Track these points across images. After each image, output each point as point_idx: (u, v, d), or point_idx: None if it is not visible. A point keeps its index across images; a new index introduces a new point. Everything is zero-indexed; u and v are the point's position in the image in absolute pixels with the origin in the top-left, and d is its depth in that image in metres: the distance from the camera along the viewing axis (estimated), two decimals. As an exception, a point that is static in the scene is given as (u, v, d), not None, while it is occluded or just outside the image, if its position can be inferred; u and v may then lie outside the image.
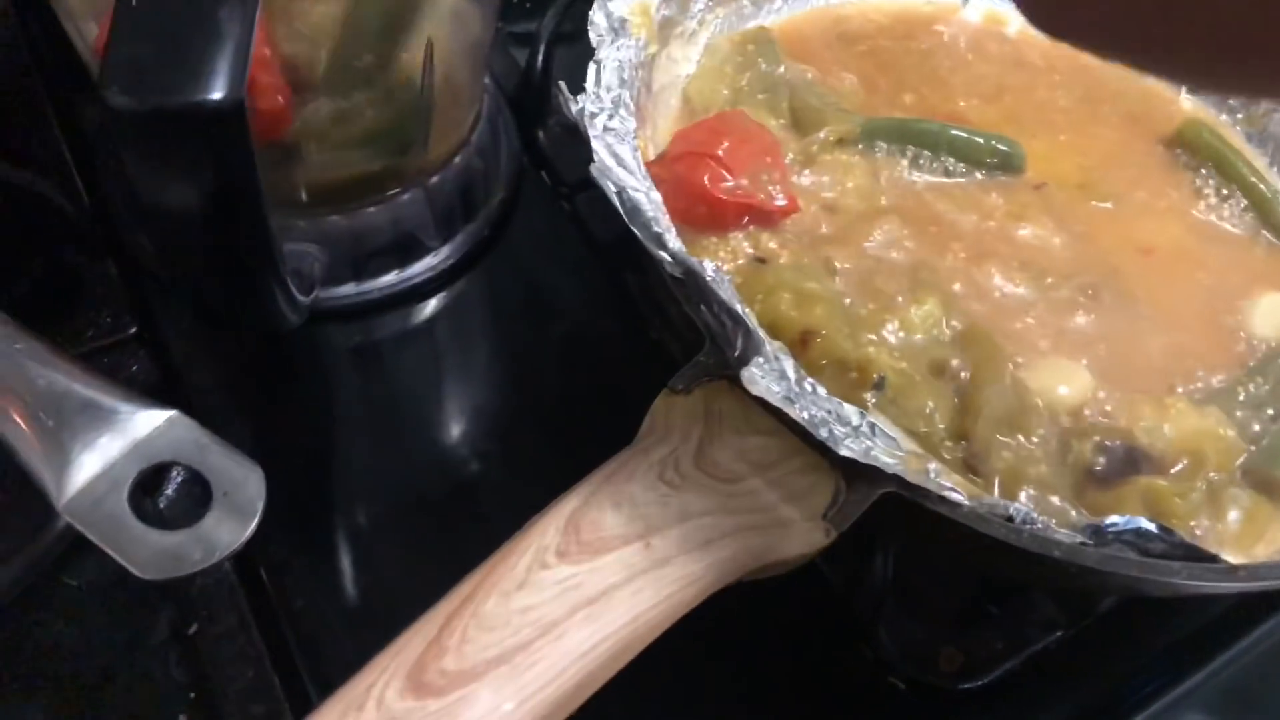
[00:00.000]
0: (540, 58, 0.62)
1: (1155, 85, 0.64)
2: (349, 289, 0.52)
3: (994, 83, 0.62)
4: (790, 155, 0.55)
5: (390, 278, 0.52)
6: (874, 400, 0.42)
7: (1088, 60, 0.64)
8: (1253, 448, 0.45)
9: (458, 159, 0.53)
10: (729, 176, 0.50)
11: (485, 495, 0.48)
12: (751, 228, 0.50)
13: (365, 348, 0.52)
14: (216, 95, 0.32)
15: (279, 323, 0.42)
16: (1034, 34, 0.60)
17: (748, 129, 0.53)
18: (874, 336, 0.45)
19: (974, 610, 0.48)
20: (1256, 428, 0.46)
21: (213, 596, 0.42)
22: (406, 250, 0.52)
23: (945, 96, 0.60)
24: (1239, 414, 0.46)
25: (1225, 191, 0.57)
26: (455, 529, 0.47)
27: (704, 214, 0.50)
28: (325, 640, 0.43)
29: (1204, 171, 0.58)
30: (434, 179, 0.52)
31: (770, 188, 0.51)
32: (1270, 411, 0.46)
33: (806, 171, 0.54)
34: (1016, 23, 0.65)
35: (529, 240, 0.58)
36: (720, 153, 0.50)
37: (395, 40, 0.46)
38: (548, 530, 0.29)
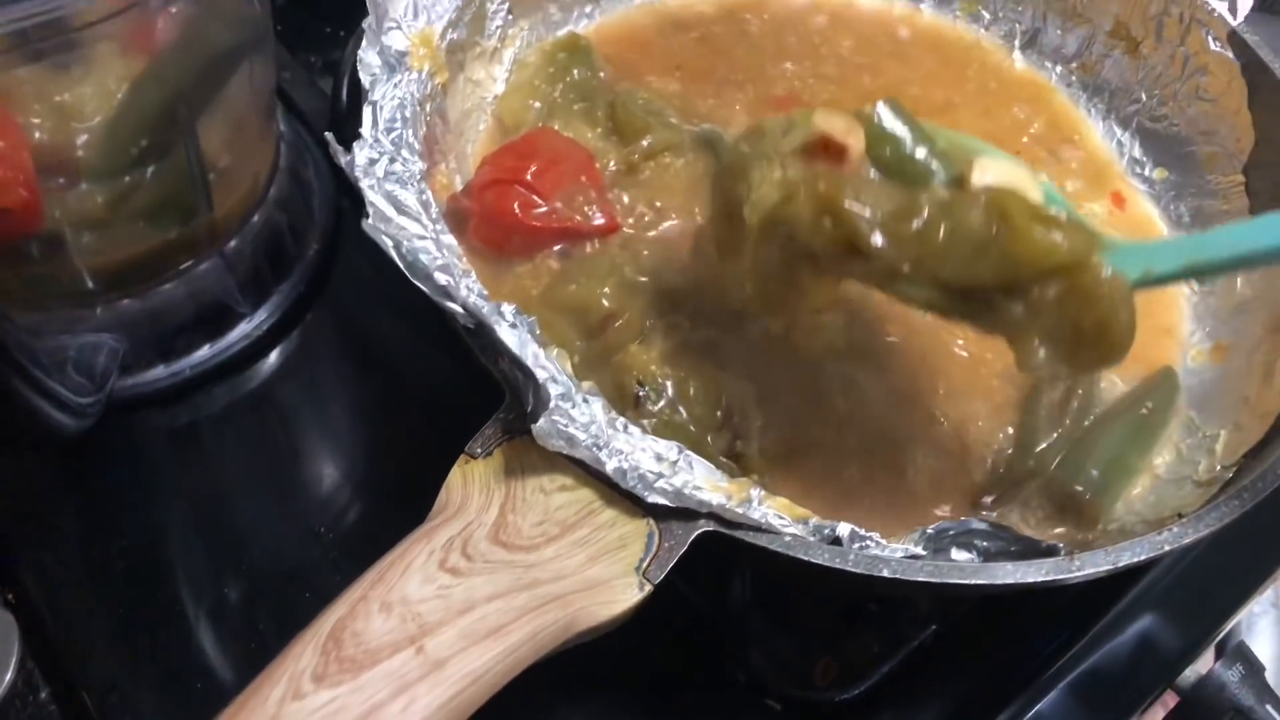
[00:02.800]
0: (345, 90, 0.59)
1: (988, 39, 0.63)
2: (159, 371, 0.49)
3: (827, 59, 0.60)
4: (612, 164, 0.52)
5: (202, 353, 0.49)
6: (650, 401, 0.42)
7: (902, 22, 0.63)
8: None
9: (256, 217, 0.50)
10: (541, 202, 0.48)
11: (326, 575, 0.46)
12: (563, 246, 0.48)
13: (185, 430, 0.49)
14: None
15: (57, 435, 0.39)
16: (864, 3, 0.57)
17: (557, 148, 0.50)
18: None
19: (851, 612, 0.47)
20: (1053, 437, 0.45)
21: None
22: (216, 322, 0.50)
23: (779, 76, 0.59)
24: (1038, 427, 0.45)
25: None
26: (297, 618, 0.44)
27: (518, 243, 0.48)
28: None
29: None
30: (231, 243, 0.49)
31: (586, 208, 0.49)
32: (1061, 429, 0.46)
33: (627, 181, 0.52)
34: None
35: (355, 286, 0.55)
36: (529, 177, 0.48)
37: (173, 125, 0.44)
38: (304, 653, 0.27)
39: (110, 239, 0.44)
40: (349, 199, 0.58)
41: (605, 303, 0.45)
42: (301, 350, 0.52)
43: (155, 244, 0.46)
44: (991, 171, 0.40)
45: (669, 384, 0.42)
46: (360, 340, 0.55)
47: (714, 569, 0.45)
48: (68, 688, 0.41)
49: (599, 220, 0.49)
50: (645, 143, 0.53)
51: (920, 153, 0.41)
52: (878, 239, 0.36)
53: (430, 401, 0.52)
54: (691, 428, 0.42)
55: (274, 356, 0.52)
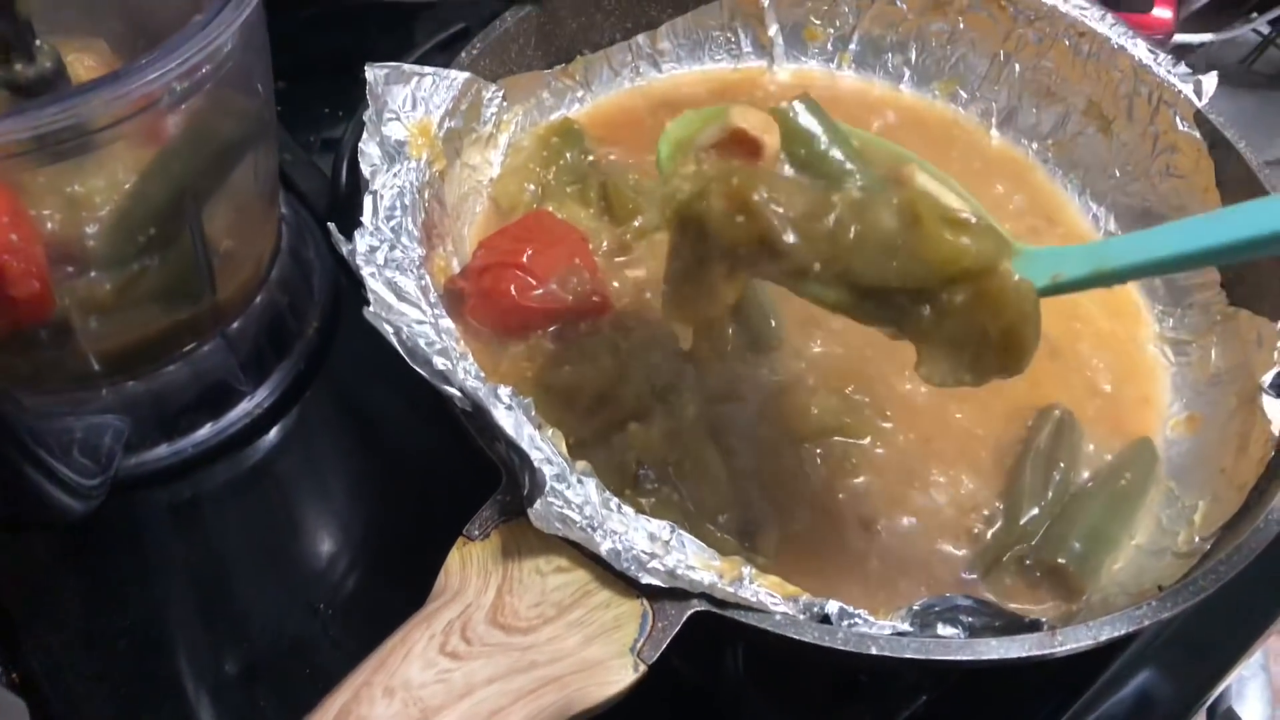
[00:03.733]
0: (345, 170, 0.61)
1: (965, 118, 0.65)
2: (161, 450, 0.50)
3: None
4: (605, 244, 0.54)
5: (204, 432, 0.50)
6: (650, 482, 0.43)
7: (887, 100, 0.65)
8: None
9: (259, 299, 0.51)
10: (536, 283, 0.49)
11: (326, 651, 0.46)
12: (558, 326, 0.50)
13: (187, 508, 0.50)
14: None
15: (61, 516, 0.40)
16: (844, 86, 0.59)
17: (552, 230, 0.52)
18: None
19: (843, 685, 0.47)
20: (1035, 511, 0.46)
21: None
22: (217, 401, 0.51)
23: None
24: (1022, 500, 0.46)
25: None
26: (297, 694, 0.45)
27: (515, 323, 0.50)
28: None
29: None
30: (234, 325, 0.50)
31: (580, 289, 0.50)
32: (1044, 501, 0.47)
33: (621, 258, 0.54)
34: (822, 80, 0.66)
35: (353, 363, 0.56)
36: (525, 260, 0.50)
37: (180, 214, 0.45)
38: (308, 743, 0.28)
39: (117, 324, 0.46)
40: (347, 277, 0.59)
41: (599, 383, 0.47)
42: (301, 427, 0.53)
43: (160, 327, 0.47)
44: (920, 178, 0.41)
45: (670, 467, 0.43)
46: (358, 417, 0.56)
47: (707, 644, 0.46)
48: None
49: (594, 299, 0.50)
50: (636, 223, 0.54)
51: (836, 152, 0.43)
52: (789, 236, 0.37)
53: (427, 479, 0.53)
54: (690, 506, 0.43)
55: (274, 433, 0.53)
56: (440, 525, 0.51)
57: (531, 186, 0.56)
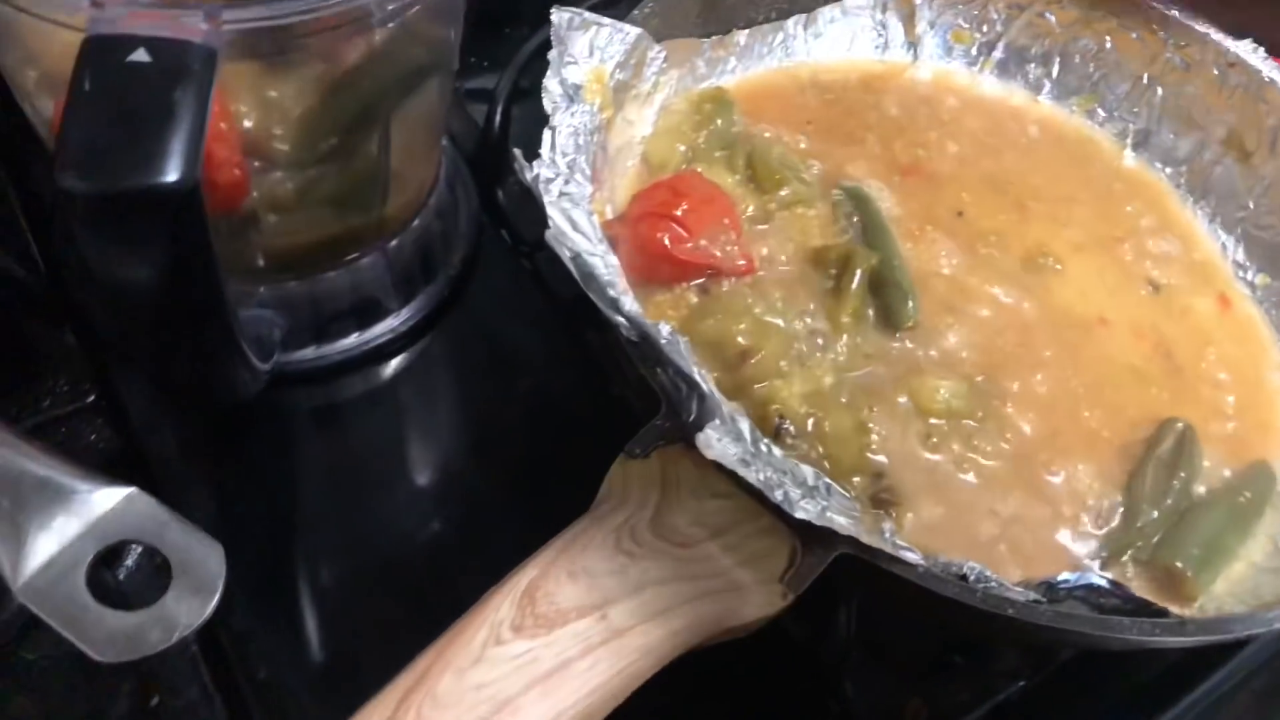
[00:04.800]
0: (498, 117, 0.63)
1: (1101, 135, 0.66)
2: (309, 353, 0.52)
3: (956, 136, 0.64)
4: (749, 210, 0.56)
5: (350, 340, 0.52)
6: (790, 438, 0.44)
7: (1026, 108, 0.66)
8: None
9: (416, 221, 0.53)
10: (689, 237, 0.51)
11: (451, 560, 0.48)
12: (703, 281, 0.51)
13: (327, 411, 0.52)
14: (172, 178, 0.32)
15: (238, 392, 0.42)
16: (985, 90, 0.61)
17: (706, 190, 0.54)
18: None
19: (940, 660, 0.48)
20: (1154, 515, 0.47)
21: (174, 668, 0.41)
22: (366, 313, 0.53)
23: (906, 145, 0.62)
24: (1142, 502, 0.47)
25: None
26: (421, 595, 0.47)
27: (665, 273, 0.51)
28: (290, 711, 0.42)
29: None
30: (393, 242, 0.52)
31: (728, 248, 0.52)
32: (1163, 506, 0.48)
33: (761, 228, 0.55)
34: (963, 81, 0.67)
35: (490, 299, 0.58)
36: (680, 213, 0.51)
37: (362, 128, 0.47)
38: (502, 605, 0.30)
39: (293, 223, 0.48)
40: (490, 217, 0.61)
41: (741, 339, 0.48)
42: (437, 350, 0.56)
43: (331, 233, 0.49)
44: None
45: (809, 421, 0.45)
46: (490, 347, 0.58)
47: (821, 600, 0.47)
48: (210, 633, 0.43)
49: (740, 261, 0.52)
50: (783, 193, 0.56)
51: None
52: None
53: (548, 412, 0.55)
54: (827, 464, 0.44)
55: (412, 352, 0.55)
56: (558, 459, 0.53)
57: (682, 147, 0.58)
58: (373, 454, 0.52)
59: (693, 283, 0.52)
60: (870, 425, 0.47)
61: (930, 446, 0.48)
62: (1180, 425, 0.50)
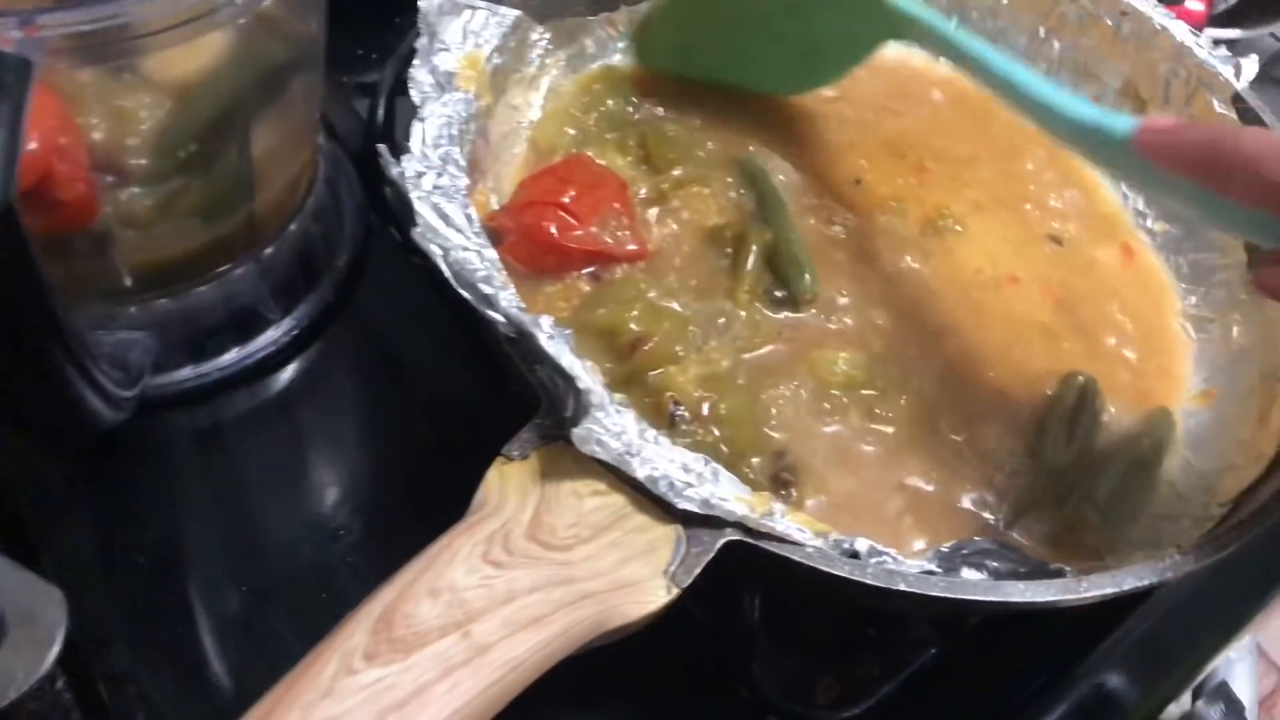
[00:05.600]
0: (381, 111, 0.61)
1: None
2: (186, 372, 0.50)
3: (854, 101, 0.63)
4: (642, 192, 0.54)
5: (230, 356, 0.50)
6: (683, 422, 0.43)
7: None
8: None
9: (293, 226, 0.51)
10: (577, 225, 0.49)
11: (345, 577, 0.47)
12: (594, 269, 0.50)
13: (209, 432, 0.50)
14: (-21, 201, 0.30)
15: (96, 425, 0.40)
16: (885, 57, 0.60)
17: (595, 174, 0.52)
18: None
19: (850, 636, 0.48)
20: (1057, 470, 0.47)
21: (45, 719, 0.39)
22: (245, 326, 0.51)
23: (802, 114, 0.61)
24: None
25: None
26: (315, 617, 0.45)
27: (554, 262, 0.50)
28: (173, 756, 0.41)
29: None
30: (268, 250, 0.50)
31: (619, 233, 0.50)
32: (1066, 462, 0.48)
33: (655, 210, 0.54)
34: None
35: (380, 301, 0.56)
36: (567, 200, 0.50)
37: (222, 133, 0.45)
38: (355, 632, 0.28)
39: (154, 238, 0.45)
40: (378, 215, 0.59)
41: (634, 326, 0.47)
42: (326, 359, 0.54)
43: (197, 245, 0.47)
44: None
45: (705, 405, 0.44)
46: (382, 352, 0.56)
47: (722, 585, 0.46)
48: (85, 678, 0.41)
49: (631, 246, 0.50)
50: (675, 173, 0.55)
51: None
52: None
53: (445, 414, 0.54)
54: (724, 448, 0.43)
55: (299, 363, 0.53)
56: (460, 462, 0.51)
57: (571, 131, 0.56)
58: (262, 473, 0.50)
59: (584, 271, 0.50)
60: (768, 404, 0.46)
61: (830, 420, 0.47)
62: (1081, 379, 0.50)
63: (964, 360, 0.51)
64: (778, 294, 0.51)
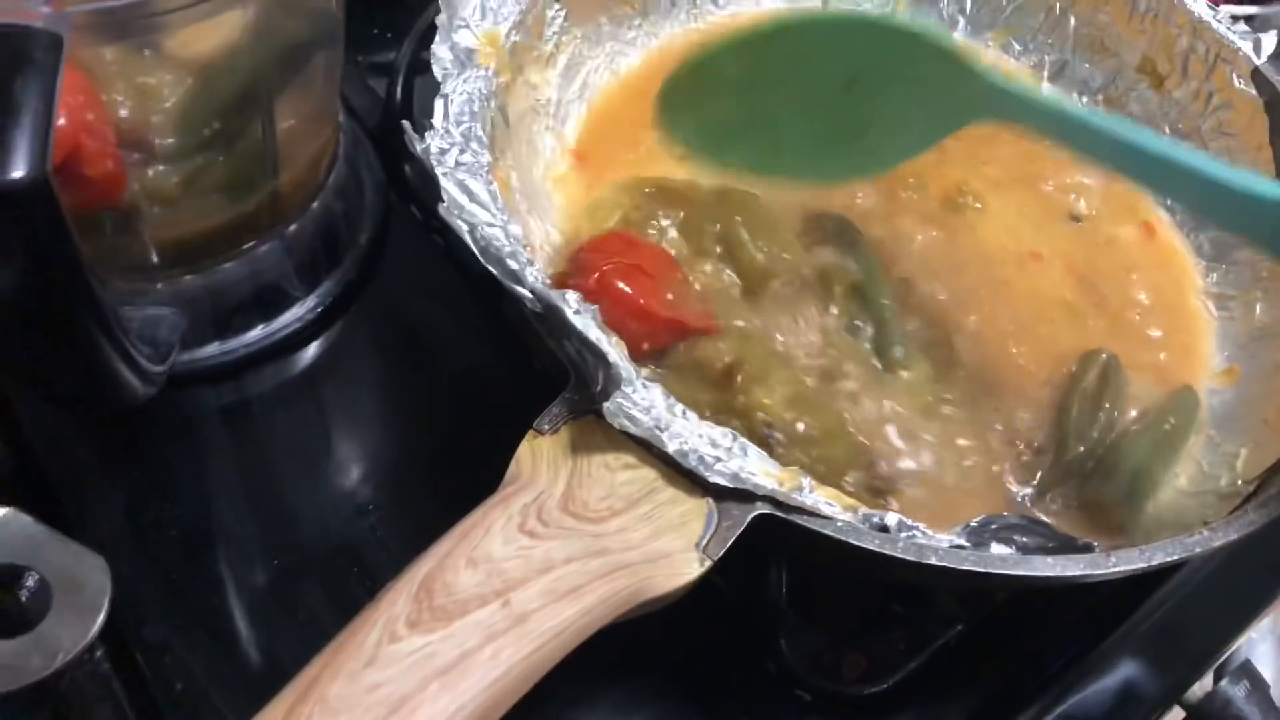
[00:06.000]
0: (400, 89, 0.61)
1: (1017, 69, 0.65)
2: (213, 349, 0.50)
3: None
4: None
5: (256, 333, 0.51)
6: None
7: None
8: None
9: (315, 204, 0.51)
10: (663, 291, 0.45)
11: (373, 552, 0.47)
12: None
13: (236, 407, 0.50)
14: (16, 174, 0.30)
15: (128, 398, 0.40)
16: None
17: (647, 244, 0.48)
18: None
19: (876, 612, 0.48)
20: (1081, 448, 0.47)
21: (84, 689, 0.40)
22: (271, 303, 0.51)
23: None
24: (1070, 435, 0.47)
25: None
26: (344, 591, 0.46)
27: (634, 330, 0.43)
28: (210, 724, 0.41)
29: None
30: (291, 227, 0.50)
31: (695, 305, 0.47)
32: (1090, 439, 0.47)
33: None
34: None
35: (402, 278, 0.56)
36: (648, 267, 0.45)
37: (244, 110, 0.45)
38: (397, 600, 0.28)
39: (180, 214, 0.46)
40: (398, 193, 0.59)
41: (726, 357, 0.45)
42: (349, 335, 0.54)
43: (222, 222, 0.47)
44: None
45: (798, 425, 0.43)
46: (405, 329, 0.56)
47: (750, 561, 0.46)
48: (123, 649, 0.42)
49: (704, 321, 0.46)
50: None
51: None
52: None
53: (468, 390, 0.54)
54: (820, 467, 0.42)
55: (323, 340, 0.53)
56: (484, 438, 0.51)
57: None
58: (289, 449, 0.50)
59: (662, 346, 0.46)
60: (854, 420, 0.45)
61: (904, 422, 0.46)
62: (1104, 356, 0.50)
63: (989, 337, 0.51)
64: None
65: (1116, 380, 0.50)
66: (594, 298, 0.42)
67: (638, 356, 0.42)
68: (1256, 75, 0.56)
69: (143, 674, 0.41)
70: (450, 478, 0.49)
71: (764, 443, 0.42)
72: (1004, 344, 0.51)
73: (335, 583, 0.46)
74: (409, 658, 0.27)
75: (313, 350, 0.53)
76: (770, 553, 0.45)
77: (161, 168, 0.45)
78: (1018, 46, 0.65)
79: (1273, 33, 0.57)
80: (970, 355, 0.50)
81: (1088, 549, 0.38)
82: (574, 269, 0.46)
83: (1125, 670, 0.48)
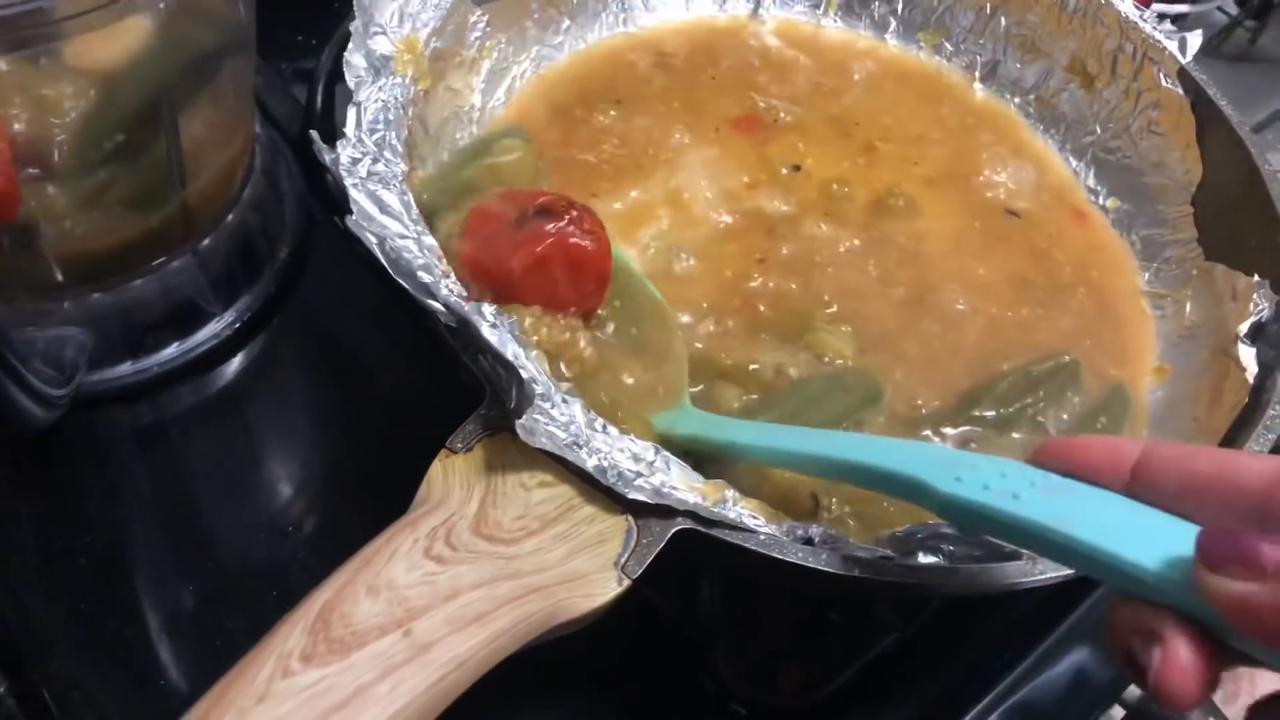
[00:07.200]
0: (320, 97, 0.59)
1: (949, 70, 0.65)
2: (125, 368, 0.48)
3: (793, 83, 0.62)
4: None
5: (171, 351, 0.49)
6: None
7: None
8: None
9: (230, 217, 0.50)
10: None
11: (296, 574, 0.45)
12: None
13: (151, 428, 0.49)
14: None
15: (26, 424, 0.38)
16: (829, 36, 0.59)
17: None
18: None
19: (812, 622, 0.47)
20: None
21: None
22: (185, 320, 0.49)
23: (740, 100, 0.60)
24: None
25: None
26: (265, 617, 0.43)
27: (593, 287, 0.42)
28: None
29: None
30: (205, 242, 0.49)
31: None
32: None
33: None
34: (807, 30, 0.65)
35: (326, 292, 0.55)
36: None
37: (149, 122, 0.43)
38: (292, 633, 0.27)
39: (84, 230, 0.44)
40: (320, 204, 0.58)
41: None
42: (269, 351, 0.52)
43: (128, 238, 0.45)
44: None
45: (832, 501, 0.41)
46: (327, 343, 0.55)
47: (682, 576, 0.46)
48: (28, 684, 0.40)
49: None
50: None
51: None
52: None
53: (396, 407, 0.52)
54: (856, 524, 0.41)
55: (241, 357, 0.52)
56: (406, 451, 0.50)
57: None
58: (207, 470, 0.48)
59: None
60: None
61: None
62: (1068, 358, 0.50)
63: (929, 334, 0.50)
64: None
65: (1067, 381, 0.49)
66: (527, 263, 0.41)
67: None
68: (1183, 74, 0.56)
69: (49, 711, 0.39)
70: (375, 496, 0.47)
71: (811, 511, 0.40)
72: (943, 340, 0.50)
73: (255, 609, 0.44)
74: (303, 693, 0.26)
75: (232, 368, 0.51)
76: (697, 568, 0.44)
77: (61, 183, 0.43)
78: (949, 47, 0.65)
79: (1198, 32, 0.57)
80: (910, 358, 0.49)
81: (1014, 557, 0.37)
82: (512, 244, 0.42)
83: (1063, 669, 0.48)
